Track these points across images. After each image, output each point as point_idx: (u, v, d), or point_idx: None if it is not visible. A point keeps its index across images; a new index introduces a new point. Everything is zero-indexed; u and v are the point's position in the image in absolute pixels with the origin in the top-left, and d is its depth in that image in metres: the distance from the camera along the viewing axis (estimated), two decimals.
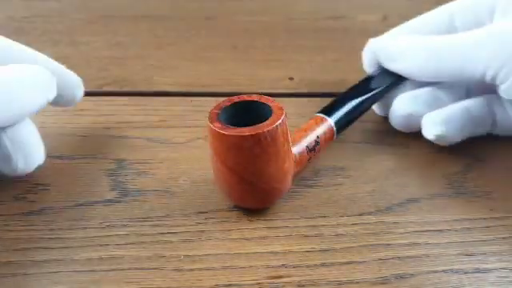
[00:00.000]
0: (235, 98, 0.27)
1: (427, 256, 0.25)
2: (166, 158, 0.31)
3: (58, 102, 0.29)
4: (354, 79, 0.39)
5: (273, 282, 0.23)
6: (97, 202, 0.27)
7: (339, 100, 0.31)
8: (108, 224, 0.26)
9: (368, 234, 0.26)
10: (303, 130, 0.28)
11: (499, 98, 0.31)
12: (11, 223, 0.26)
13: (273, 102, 0.26)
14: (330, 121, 0.29)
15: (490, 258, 0.25)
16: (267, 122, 0.25)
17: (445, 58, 0.30)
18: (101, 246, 0.25)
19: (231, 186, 0.26)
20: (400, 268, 0.24)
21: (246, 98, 0.27)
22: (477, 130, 0.32)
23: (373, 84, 0.32)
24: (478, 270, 0.24)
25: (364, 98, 0.31)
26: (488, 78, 0.29)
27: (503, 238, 0.26)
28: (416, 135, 0.34)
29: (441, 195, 0.29)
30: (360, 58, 0.36)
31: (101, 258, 0.24)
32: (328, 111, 0.30)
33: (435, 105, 0.31)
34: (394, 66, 0.32)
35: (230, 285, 0.23)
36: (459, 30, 0.32)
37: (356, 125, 0.34)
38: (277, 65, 0.41)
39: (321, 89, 0.38)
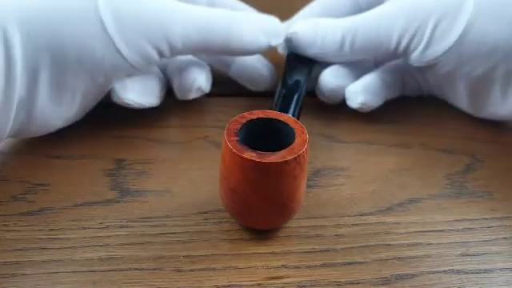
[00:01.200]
0: (244, 119, 0.24)
1: (428, 256, 0.25)
2: (166, 158, 0.31)
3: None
4: None
5: (273, 283, 0.23)
6: (96, 202, 0.27)
7: (287, 96, 0.30)
8: (108, 224, 0.26)
9: (368, 234, 0.26)
10: None
11: (406, 64, 0.34)
12: (10, 223, 0.26)
13: (283, 116, 0.25)
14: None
15: (491, 258, 0.25)
16: (297, 140, 0.23)
17: (360, 36, 0.32)
18: (100, 246, 0.25)
19: (259, 212, 0.24)
20: (401, 268, 0.24)
21: (255, 116, 0.25)
22: (392, 93, 0.35)
23: (299, 71, 0.33)
24: (479, 271, 0.24)
25: (302, 86, 0.32)
26: (401, 48, 0.31)
27: (504, 238, 0.26)
28: (416, 135, 0.34)
29: (441, 195, 0.29)
30: None
31: (100, 259, 0.24)
32: (285, 110, 0.29)
33: (354, 76, 0.34)
34: (310, 52, 0.33)
35: (229, 285, 0.23)
36: (364, 10, 0.33)
37: (356, 125, 0.34)
38: (277, 65, 0.41)
39: None
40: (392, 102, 0.36)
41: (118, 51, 0.27)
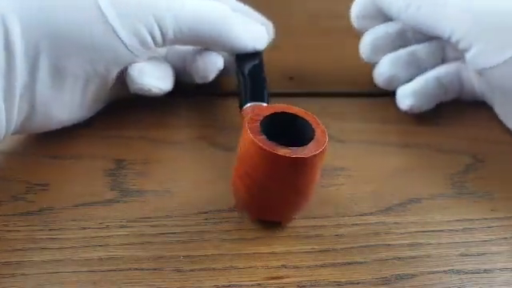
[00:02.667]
0: (259, 116, 0.25)
1: (428, 256, 0.25)
2: (165, 158, 0.31)
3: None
4: (353, 79, 0.39)
5: (273, 283, 0.23)
6: (96, 202, 0.27)
7: (257, 83, 0.31)
8: (108, 224, 0.26)
9: (368, 234, 0.26)
10: None
11: (465, 67, 0.33)
12: (10, 223, 0.26)
13: (293, 109, 0.25)
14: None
15: (491, 258, 0.25)
16: (318, 132, 0.24)
17: (426, 8, 0.32)
18: (100, 246, 0.25)
19: (283, 205, 0.25)
20: (401, 268, 0.24)
21: (269, 111, 0.25)
22: (446, 97, 0.34)
23: (251, 59, 0.33)
24: (479, 271, 0.24)
25: (261, 70, 0.32)
26: (453, 41, 0.31)
27: (504, 238, 0.26)
28: (416, 135, 0.34)
29: (441, 195, 0.29)
30: (359, 57, 0.36)
31: (100, 259, 0.24)
32: (260, 98, 0.29)
33: (414, 66, 0.34)
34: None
35: (229, 285, 0.23)
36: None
37: (356, 125, 0.34)
38: (277, 65, 0.41)
39: (321, 89, 0.38)
40: (391, 102, 0.36)
41: (118, 37, 0.28)
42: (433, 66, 0.34)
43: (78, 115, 0.30)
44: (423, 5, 0.32)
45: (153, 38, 0.29)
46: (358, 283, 0.24)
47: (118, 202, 0.27)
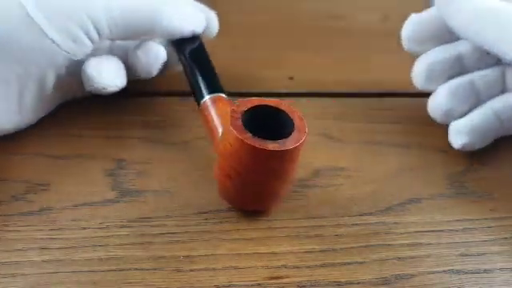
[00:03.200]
0: (237, 113, 0.25)
1: (428, 256, 0.25)
2: (165, 158, 0.31)
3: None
4: (353, 79, 0.40)
5: (273, 283, 0.23)
6: (96, 202, 0.27)
7: (207, 73, 0.31)
8: (108, 224, 0.26)
9: (368, 234, 0.26)
10: None
11: None
12: (10, 223, 0.26)
13: (265, 101, 0.26)
14: (225, 95, 0.29)
15: (491, 258, 0.25)
16: (297, 121, 0.25)
17: (489, 27, 0.29)
18: (100, 246, 0.25)
19: (263, 194, 0.26)
20: (400, 268, 0.24)
21: (246, 107, 0.25)
22: (503, 133, 0.32)
23: (189, 43, 0.33)
24: (478, 271, 0.24)
25: (207, 58, 0.32)
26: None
27: (504, 238, 0.26)
28: (416, 135, 0.34)
29: (441, 195, 0.29)
30: (359, 57, 0.36)
31: (100, 259, 0.24)
32: (216, 89, 0.30)
33: (473, 98, 0.31)
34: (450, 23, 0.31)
35: (229, 285, 0.23)
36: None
37: (356, 125, 0.34)
38: (277, 65, 0.41)
39: (321, 89, 0.38)
40: (391, 102, 0.36)
41: (49, 38, 0.27)
42: (491, 97, 0.31)
43: (21, 121, 0.30)
44: (489, 21, 0.29)
45: (88, 36, 0.28)
46: (357, 283, 0.24)
47: (118, 202, 0.27)
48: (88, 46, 0.29)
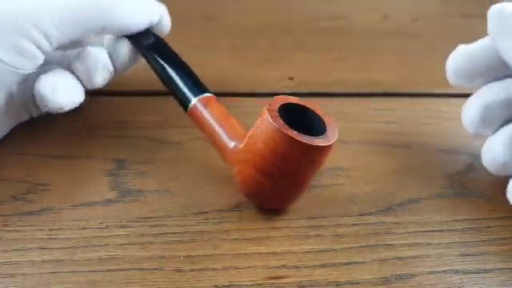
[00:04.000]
0: (273, 111, 0.25)
1: (428, 256, 0.25)
2: (166, 158, 0.31)
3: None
4: (354, 79, 0.40)
5: (273, 283, 0.23)
6: (97, 202, 0.27)
7: (185, 73, 0.30)
8: (108, 224, 0.26)
9: (368, 234, 0.26)
10: (228, 118, 0.28)
11: None
12: (11, 223, 0.26)
13: (293, 99, 0.26)
14: (211, 94, 0.29)
15: (491, 258, 0.25)
16: (328, 123, 0.25)
17: None
18: (100, 246, 0.25)
19: (292, 192, 0.26)
20: (400, 268, 0.24)
21: (280, 104, 0.25)
22: None
23: (147, 37, 0.31)
24: (478, 271, 0.24)
25: (176, 56, 0.31)
26: None
27: (504, 238, 0.26)
28: (416, 135, 0.34)
29: (441, 195, 0.29)
30: (359, 57, 0.36)
31: (100, 259, 0.24)
32: (201, 89, 0.29)
33: None
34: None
35: (229, 285, 0.23)
36: None
37: (356, 125, 0.34)
38: (277, 65, 0.41)
39: (321, 89, 0.38)
40: (391, 102, 0.36)
41: None
42: None
43: None
44: None
45: (38, 46, 0.27)
46: (357, 283, 0.24)
47: (118, 202, 0.27)
48: (38, 56, 0.27)
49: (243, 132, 0.27)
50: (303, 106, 0.26)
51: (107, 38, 0.31)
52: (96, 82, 0.30)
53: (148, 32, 0.31)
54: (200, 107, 0.28)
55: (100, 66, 0.30)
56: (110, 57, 0.31)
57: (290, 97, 0.26)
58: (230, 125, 0.27)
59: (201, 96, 0.29)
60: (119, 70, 0.31)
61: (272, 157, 0.24)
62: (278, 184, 0.25)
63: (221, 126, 0.27)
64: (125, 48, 0.31)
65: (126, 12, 0.29)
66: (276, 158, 0.24)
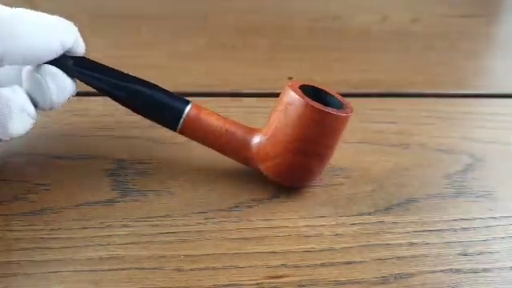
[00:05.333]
0: (295, 90, 0.26)
1: (426, 256, 0.25)
2: (166, 158, 0.31)
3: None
4: (353, 79, 0.40)
5: (272, 282, 0.24)
6: (97, 202, 0.27)
7: (159, 89, 0.28)
8: (108, 224, 0.26)
9: (367, 234, 0.26)
10: (226, 118, 0.28)
11: None
12: (12, 223, 0.26)
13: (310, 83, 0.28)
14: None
15: (490, 257, 0.25)
16: (342, 100, 0.27)
17: None
18: (101, 245, 0.25)
19: (320, 165, 0.27)
20: (399, 268, 0.24)
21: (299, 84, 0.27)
22: None
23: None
24: (477, 270, 0.25)
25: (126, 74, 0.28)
26: None
27: (503, 237, 0.26)
28: (416, 135, 0.34)
29: (440, 195, 0.29)
30: (359, 58, 0.36)
31: (101, 258, 0.24)
32: (182, 98, 0.28)
33: None
34: None
35: (229, 285, 0.23)
36: None
37: (356, 125, 0.34)
38: (277, 65, 0.41)
39: None
40: (391, 102, 0.36)
41: None
42: None
43: None
44: None
45: None
46: (357, 282, 0.24)
47: (119, 201, 0.27)
48: None
49: (251, 128, 0.27)
50: (316, 87, 0.28)
51: (26, 72, 0.26)
52: (13, 132, 0.25)
53: (67, 57, 0.27)
54: (196, 115, 0.27)
55: (15, 111, 0.25)
56: (32, 95, 0.26)
57: (298, 81, 0.27)
58: (236, 124, 0.28)
59: (190, 104, 0.28)
60: (54, 103, 0.26)
61: (317, 138, 0.26)
62: (324, 161, 0.27)
63: (229, 127, 0.27)
64: (55, 78, 0.26)
65: (29, 38, 0.24)
66: (323, 138, 0.26)
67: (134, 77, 0.28)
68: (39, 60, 0.25)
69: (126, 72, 0.28)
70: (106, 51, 0.43)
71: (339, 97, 0.28)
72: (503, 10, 0.58)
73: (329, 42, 0.45)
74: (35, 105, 0.26)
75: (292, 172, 0.27)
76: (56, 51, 0.26)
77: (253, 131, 0.28)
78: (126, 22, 0.48)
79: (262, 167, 0.27)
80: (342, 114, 0.26)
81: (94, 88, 0.28)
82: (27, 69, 0.26)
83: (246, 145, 0.27)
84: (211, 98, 0.36)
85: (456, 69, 0.43)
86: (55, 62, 0.26)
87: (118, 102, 0.28)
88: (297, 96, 0.25)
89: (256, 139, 0.27)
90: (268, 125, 0.27)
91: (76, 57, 0.27)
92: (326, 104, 0.26)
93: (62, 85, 0.26)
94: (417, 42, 0.46)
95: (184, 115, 0.27)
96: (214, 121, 0.28)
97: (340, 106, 0.27)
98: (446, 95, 0.39)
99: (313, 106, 0.25)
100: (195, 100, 0.35)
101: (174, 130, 0.28)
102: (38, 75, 0.26)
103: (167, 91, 0.28)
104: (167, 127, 0.28)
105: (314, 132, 0.26)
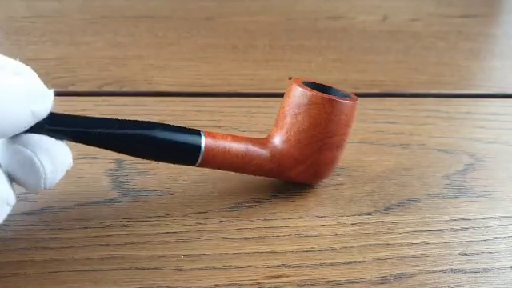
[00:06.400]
0: (299, 85, 0.26)
1: (426, 256, 0.25)
2: None
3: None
4: (353, 79, 0.40)
5: (272, 282, 0.24)
6: (97, 202, 0.27)
7: (169, 127, 0.25)
8: (108, 224, 0.26)
9: (367, 233, 0.26)
10: (235, 136, 0.27)
11: None
12: (12, 223, 0.26)
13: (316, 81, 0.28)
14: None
15: (490, 257, 0.25)
16: (345, 92, 0.28)
17: None
18: (101, 245, 0.25)
19: (339, 158, 0.28)
20: (399, 268, 0.24)
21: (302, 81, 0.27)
22: None
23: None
24: (477, 270, 0.25)
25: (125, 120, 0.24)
26: None
27: (502, 238, 0.26)
28: (416, 135, 0.34)
29: (440, 195, 0.29)
30: (359, 58, 0.36)
31: (101, 258, 0.24)
32: (191, 128, 0.25)
33: None
34: None
35: (229, 284, 0.23)
36: None
37: (356, 125, 0.34)
38: (277, 65, 0.41)
39: None
40: (391, 102, 0.36)
41: None
42: None
43: None
44: None
45: None
46: (357, 282, 0.24)
47: (119, 201, 0.28)
48: None
49: (258, 138, 0.27)
50: (315, 82, 0.28)
51: (3, 145, 0.21)
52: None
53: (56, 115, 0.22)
54: (212, 145, 0.25)
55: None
56: (16, 176, 0.21)
57: (300, 78, 0.28)
58: (248, 140, 0.27)
59: (201, 133, 0.25)
60: (49, 184, 0.22)
61: (342, 128, 0.26)
62: (341, 149, 0.27)
63: (246, 146, 0.26)
64: (49, 151, 0.21)
65: None
66: (344, 128, 0.27)
67: (127, 120, 0.24)
68: (3, 135, 0.20)
69: (106, 117, 0.24)
70: (106, 51, 0.43)
71: (337, 87, 0.28)
72: (503, 9, 0.58)
73: (329, 41, 0.45)
74: (23, 185, 0.21)
75: (325, 169, 0.27)
76: (26, 123, 0.20)
77: (265, 142, 0.27)
78: (126, 22, 0.48)
79: (292, 174, 0.27)
80: (355, 101, 0.27)
81: (85, 144, 0.23)
82: (4, 141, 0.21)
83: (266, 158, 0.27)
84: (212, 98, 0.36)
85: (456, 69, 0.43)
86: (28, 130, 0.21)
87: (119, 152, 0.24)
88: (319, 95, 0.26)
89: (276, 149, 0.26)
90: (284, 131, 0.26)
91: (48, 117, 0.21)
92: (332, 95, 0.27)
93: (59, 159, 0.22)
94: (417, 42, 0.46)
95: (202, 150, 0.25)
96: (230, 144, 0.26)
97: (345, 95, 0.27)
98: (446, 95, 0.39)
99: (337, 101, 0.26)
100: (196, 100, 0.35)
101: (192, 165, 0.25)
102: (26, 150, 0.21)
103: (171, 126, 0.24)
104: (183, 164, 0.25)
105: (339, 124, 0.26)
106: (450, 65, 0.44)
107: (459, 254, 0.25)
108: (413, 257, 0.25)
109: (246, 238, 0.26)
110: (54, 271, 0.24)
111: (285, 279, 0.24)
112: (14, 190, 0.21)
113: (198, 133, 0.25)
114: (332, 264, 0.25)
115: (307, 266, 0.24)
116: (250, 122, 0.34)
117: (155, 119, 0.33)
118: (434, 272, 0.24)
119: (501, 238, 0.26)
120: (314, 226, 0.27)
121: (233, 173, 0.27)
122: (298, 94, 0.26)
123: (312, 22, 0.49)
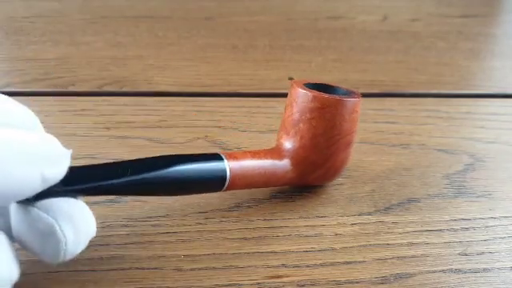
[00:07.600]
0: (301, 87, 0.26)
1: (426, 256, 0.25)
2: None
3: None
4: (353, 79, 0.40)
5: (272, 282, 0.24)
6: (98, 202, 0.27)
7: (191, 157, 0.23)
8: (109, 223, 0.26)
9: (367, 233, 0.26)
10: (252, 151, 0.26)
11: None
12: None
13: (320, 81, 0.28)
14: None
15: (490, 257, 0.25)
16: (348, 89, 0.28)
17: None
18: (101, 245, 0.25)
19: (350, 154, 0.28)
20: (399, 268, 0.24)
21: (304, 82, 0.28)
22: None
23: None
24: (477, 270, 0.25)
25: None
26: None
27: (502, 238, 0.26)
28: (416, 135, 0.34)
29: (440, 195, 0.29)
30: (359, 58, 0.36)
31: (101, 258, 0.24)
32: (211, 154, 0.24)
33: None
34: None
35: (229, 285, 0.23)
36: None
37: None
38: (277, 65, 0.41)
39: None
40: (391, 102, 0.36)
41: None
42: None
43: None
44: None
45: None
46: (357, 282, 0.24)
47: (119, 201, 0.27)
48: None
49: (270, 149, 0.27)
50: (316, 83, 0.28)
51: (17, 210, 0.19)
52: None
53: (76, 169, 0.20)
54: (236, 165, 0.24)
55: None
56: (29, 245, 0.19)
57: (301, 80, 0.28)
58: (264, 153, 0.26)
59: (223, 157, 0.24)
60: (69, 256, 0.20)
61: (351, 126, 0.26)
62: (352, 145, 0.28)
63: (265, 162, 0.26)
64: (71, 219, 0.19)
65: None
66: (353, 126, 0.27)
67: (140, 161, 0.23)
68: (5, 202, 0.18)
69: (122, 160, 0.23)
70: (106, 51, 0.43)
71: (337, 85, 0.28)
72: (503, 9, 0.58)
73: (329, 41, 0.45)
74: (37, 255, 0.19)
75: (341, 168, 0.28)
76: (32, 189, 0.18)
77: (279, 151, 0.27)
78: (126, 22, 0.48)
79: (310, 179, 0.27)
80: (360, 96, 0.27)
81: (106, 194, 0.22)
82: (17, 206, 0.19)
83: (287, 168, 0.27)
84: (212, 98, 0.36)
85: (456, 69, 0.43)
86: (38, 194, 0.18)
87: (142, 195, 0.23)
88: (332, 98, 0.26)
89: (294, 158, 0.26)
90: (298, 137, 0.26)
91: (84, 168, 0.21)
92: (336, 93, 0.27)
93: (83, 228, 0.19)
94: (417, 41, 0.46)
95: (228, 176, 0.24)
96: (251, 162, 0.25)
97: (347, 92, 0.28)
98: (446, 95, 0.39)
99: (349, 100, 0.26)
100: (196, 100, 0.35)
101: (219, 191, 0.25)
102: (47, 216, 0.18)
103: (189, 156, 0.23)
104: (209, 192, 0.25)
105: (352, 123, 0.26)
106: (449, 65, 0.44)
107: (459, 253, 0.25)
108: (413, 257, 0.25)
109: (245, 238, 0.26)
110: (54, 271, 0.24)
111: (285, 279, 0.24)
112: (18, 262, 0.19)
113: (219, 157, 0.24)
114: (332, 264, 0.25)
115: (307, 266, 0.24)
116: (250, 121, 0.34)
117: (155, 119, 0.34)
118: (434, 272, 0.24)
119: (501, 237, 0.26)
120: (314, 226, 0.27)
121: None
122: (308, 100, 0.26)
123: (312, 22, 0.49)
